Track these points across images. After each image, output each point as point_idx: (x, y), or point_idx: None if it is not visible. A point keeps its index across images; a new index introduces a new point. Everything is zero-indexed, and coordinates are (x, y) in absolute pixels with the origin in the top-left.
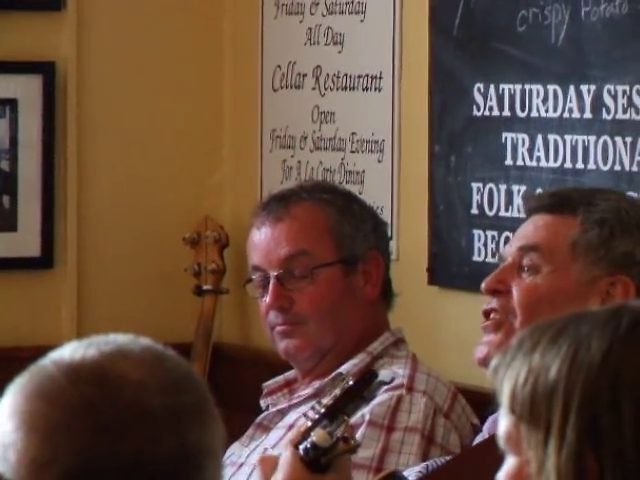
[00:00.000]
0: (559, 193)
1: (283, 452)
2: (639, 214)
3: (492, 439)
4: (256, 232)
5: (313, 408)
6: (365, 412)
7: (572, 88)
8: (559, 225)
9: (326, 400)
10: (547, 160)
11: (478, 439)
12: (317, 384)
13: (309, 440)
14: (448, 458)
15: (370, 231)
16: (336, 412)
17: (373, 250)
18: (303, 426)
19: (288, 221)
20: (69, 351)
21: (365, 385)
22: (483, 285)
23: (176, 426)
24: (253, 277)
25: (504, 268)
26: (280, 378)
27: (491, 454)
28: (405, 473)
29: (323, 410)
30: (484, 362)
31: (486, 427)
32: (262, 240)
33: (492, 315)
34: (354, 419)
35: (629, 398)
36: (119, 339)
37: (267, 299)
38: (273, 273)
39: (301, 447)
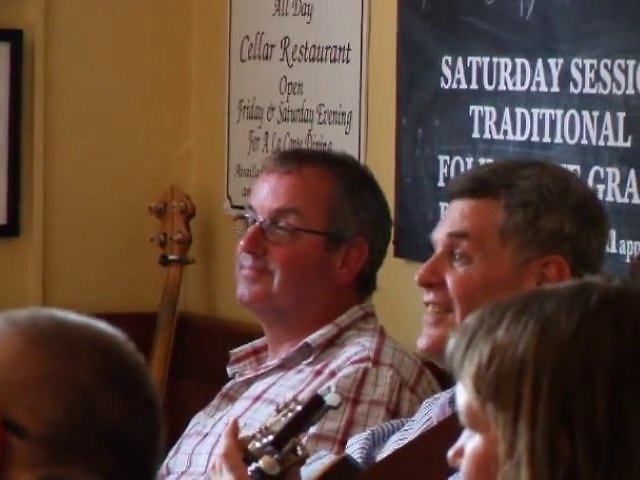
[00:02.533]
0: (479, 177)
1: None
2: (561, 186)
3: (442, 426)
4: (264, 175)
5: (261, 432)
6: (331, 384)
7: (540, 62)
8: (484, 211)
9: (274, 426)
10: (514, 133)
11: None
12: (283, 354)
13: (257, 465)
14: (394, 422)
15: (369, 221)
16: (283, 440)
17: (363, 238)
18: (248, 441)
19: (294, 177)
20: None
21: (313, 411)
22: (417, 278)
23: None
24: (246, 215)
25: (436, 259)
26: (248, 346)
27: (443, 439)
28: (351, 441)
29: (272, 438)
30: (428, 351)
31: (434, 409)
32: (264, 186)
33: (431, 308)
34: (334, 399)
35: (601, 376)
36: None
37: (243, 241)
38: (259, 219)
39: (250, 468)
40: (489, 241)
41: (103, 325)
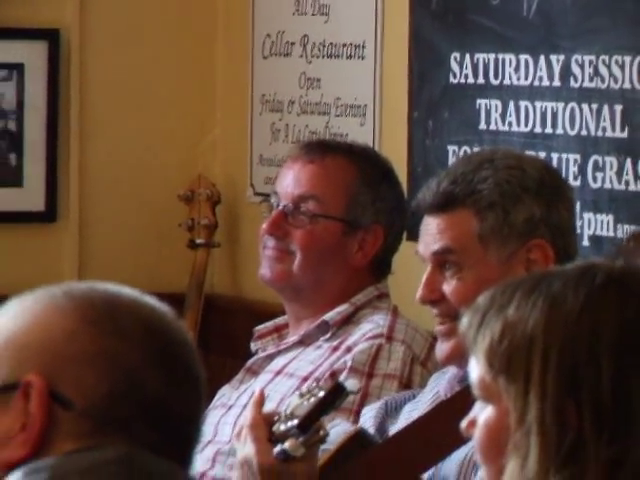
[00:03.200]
0: (445, 192)
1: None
2: (517, 177)
3: (455, 398)
4: (289, 163)
5: (285, 416)
6: (347, 359)
7: (542, 58)
8: (458, 223)
9: (298, 410)
10: (518, 125)
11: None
12: (303, 331)
13: (282, 447)
14: (406, 393)
15: (385, 211)
16: (309, 424)
17: (378, 226)
18: (272, 415)
19: (317, 166)
20: None
21: (334, 397)
22: (418, 298)
23: None
24: (271, 199)
25: (429, 277)
26: (270, 323)
27: (455, 411)
28: (365, 410)
29: (296, 422)
30: (447, 362)
31: (442, 384)
32: (289, 172)
33: (440, 319)
34: (354, 385)
35: (607, 350)
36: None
37: (266, 223)
38: (282, 203)
39: (275, 450)
40: (471, 249)
41: (154, 302)
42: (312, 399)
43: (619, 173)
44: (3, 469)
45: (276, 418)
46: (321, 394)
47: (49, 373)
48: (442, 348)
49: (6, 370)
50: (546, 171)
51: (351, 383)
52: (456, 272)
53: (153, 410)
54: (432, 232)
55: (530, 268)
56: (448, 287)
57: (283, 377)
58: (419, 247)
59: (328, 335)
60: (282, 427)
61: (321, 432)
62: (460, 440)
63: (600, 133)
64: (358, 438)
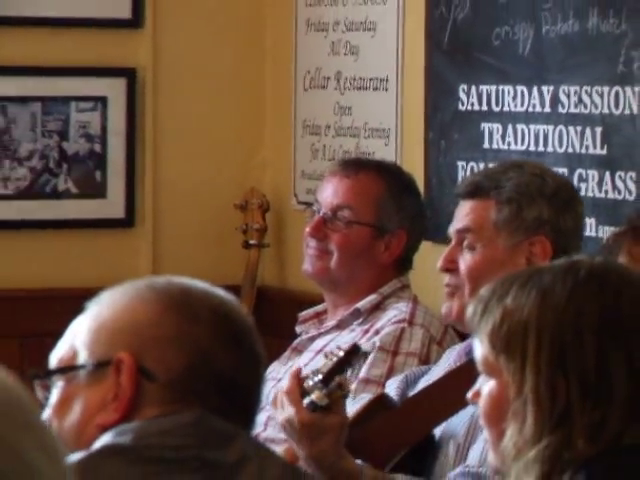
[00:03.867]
0: (475, 182)
1: (286, 397)
2: (537, 183)
3: (461, 369)
4: (329, 177)
5: (313, 372)
6: (376, 340)
7: (535, 88)
8: (479, 209)
9: (323, 368)
10: (516, 144)
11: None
12: (339, 317)
13: (310, 399)
14: (423, 368)
15: (408, 218)
16: (329, 378)
17: (402, 230)
18: (304, 382)
19: (352, 180)
20: None
21: (352, 356)
22: (438, 265)
23: None
24: (313, 207)
25: (450, 250)
26: (311, 310)
27: (462, 380)
28: (389, 382)
29: (320, 377)
30: (446, 319)
31: (451, 359)
32: (329, 185)
33: (448, 287)
34: (368, 346)
35: (589, 332)
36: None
37: (309, 227)
38: (322, 211)
39: (304, 402)
40: (486, 232)
41: (222, 292)
42: (334, 358)
43: (600, 184)
44: (99, 431)
45: (305, 377)
46: (341, 354)
47: (136, 352)
48: (445, 307)
49: (101, 350)
50: (564, 186)
51: (365, 345)
52: (470, 248)
53: (222, 382)
54: (460, 214)
55: (530, 258)
56: (462, 261)
57: (322, 355)
58: (450, 227)
59: (360, 320)
60: (310, 382)
61: (344, 388)
62: (466, 402)
63: (584, 151)
64: (382, 400)
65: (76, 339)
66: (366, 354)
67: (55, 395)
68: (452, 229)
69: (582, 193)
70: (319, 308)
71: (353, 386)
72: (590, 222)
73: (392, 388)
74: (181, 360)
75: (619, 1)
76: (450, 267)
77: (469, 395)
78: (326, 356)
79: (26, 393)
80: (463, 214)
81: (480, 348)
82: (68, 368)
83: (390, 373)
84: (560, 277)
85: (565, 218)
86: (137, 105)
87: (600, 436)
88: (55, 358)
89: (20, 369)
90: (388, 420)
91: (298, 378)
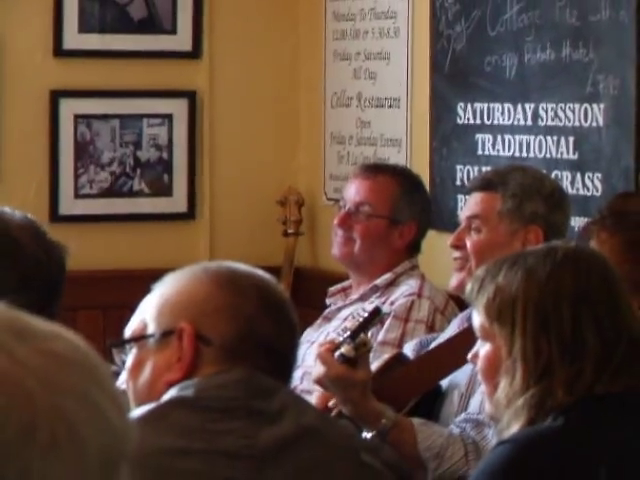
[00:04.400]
0: (486, 178)
1: (319, 357)
2: (536, 184)
3: (464, 334)
4: (353, 178)
5: (343, 330)
6: (391, 309)
7: (519, 106)
8: (488, 200)
9: (350, 326)
10: (503, 151)
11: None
12: (361, 292)
13: (340, 352)
14: (435, 335)
15: (418, 211)
16: (356, 334)
17: (413, 222)
18: (333, 342)
19: (371, 181)
20: None
21: (374, 316)
22: (449, 242)
23: None
24: (340, 203)
25: (460, 231)
26: (338, 286)
27: (464, 341)
28: (406, 345)
29: (349, 333)
30: (456, 289)
31: (455, 325)
32: (352, 185)
33: (457, 261)
34: (387, 309)
35: (566, 302)
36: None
37: (337, 219)
38: (347, 206)
39: (336, 354)
40: (491, 219)
41: (262, 272)
42: (360, 319)
43: (572, 183)
44: (166, 387)
45: (337, 334)
46: (366, 314)
47: (195, 322)
48: (453, 279)
49: (166, 321)
50: (558, 190)
51: (385, 308)
52: (477, 231)
53: (265, 345)
54: (471, 203)
55: (525, 243)
56: (469, 241)
57: (347, 322)
58: (461, 213)
59: (378, 294)
60: (340, 339)
61: (368, 343)
62: (466, 360)
63: (559, 156)
64: (398, 357)
65: (146, 313)
66: (385, 315)
67: (130, 360)
68: (463, 215)
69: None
70: (345, 284)
71: (374, 345)
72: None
73: (409, 349)
74: (231, 328)
75: (587, 35)
76: (458, 244)
77: (469, 356)
78: (353, 317)
79: (97, 354)
80: (473, 203)
81: (477, 318)
82: (140, 337)
83: (403, 337)
84: (541, 259)
85: (556, 215)
86: (197, 121)
87: (576, 387)
88: (129, 330)
89: (102, 335)
90: (403, 373)
91: (331, 343)
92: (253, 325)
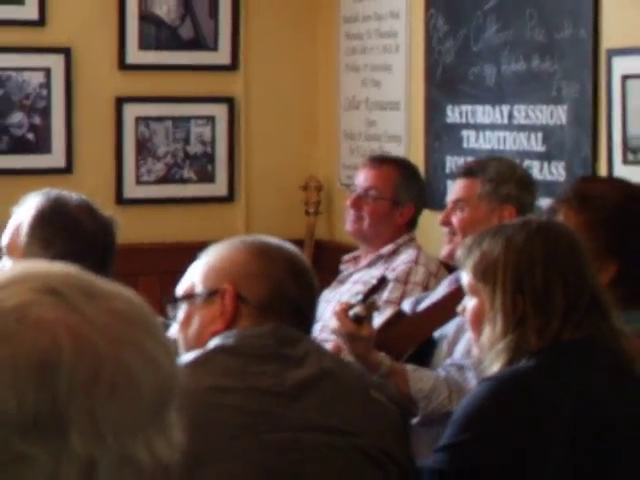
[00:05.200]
0: (468, 166)
1: (335, 316)
2: (510, 170)
3: (453, 293)
4: (362, 168)
5: (356, 294)
6: (393, 274)
7: (497, 107)
8: (470, 185)
9: (362, 291)
10: (484, 145)
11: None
12: (369, 259)
13: (354, 311)
14: (426, 293)
15: (415, 194)
16: (367, 297)
17: (410, 203)
18: (347, 304)
19: (377, 170)
20: None
21: (381, 283)
22: (439, 219)
23: None
24: (352, 187)
25: (448, 211)
26: (350, 255)
27: (453, 300)
28: (404, 303)
29: (360, 298)
30: (446, 257)
31: (445, 286)
32: (362, 173)
33: (446, 235)
34: (391, 276)
35: (539, 265)
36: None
37: (349, 201)
38: (358, 191)
39: (350, 313)
40: (472, 200)
41: (290, 245)
42: (370, 286)
43: (540, 170)
44: (211, 336)
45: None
46: (374, 281)
47: (235, 284)
48: (444, 249)
49: (211, 283)
50: (527, 175)
51: (390, 276)
52: (461, 211)
53: (292, 304)
54: (456, 188)
55: (501, 219)
56: (455, 218)
57: (357, 285)
58: (448, 197)
59: (382, 261)
60: (353, 301)
61: (375, 305)
62: (455, 314)
63: (530, 148)
64: (399, 314)
65: (194, 277)
66: (389, 282)
67: (181, 314)
68: (450, 197)
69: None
70: (355, 253)
71: (380, 304)
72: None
73: (407, 306)
74: (264, 289)
75: (552, 49)
76: (446, 221)
77: (459, 309)
78: (364, 284)
79: (151, 309)
80: (458, 187)
81: (465, 277)
82: (190, 296)
83: (402, 297)
84: (518, 230)
85: (526, 196)
86: (235, 122)
87: (546, 334)
88: (180, 290)
89: (159, 296)
90: (402, 327)
91: (347, 304)
92: (282, 288)
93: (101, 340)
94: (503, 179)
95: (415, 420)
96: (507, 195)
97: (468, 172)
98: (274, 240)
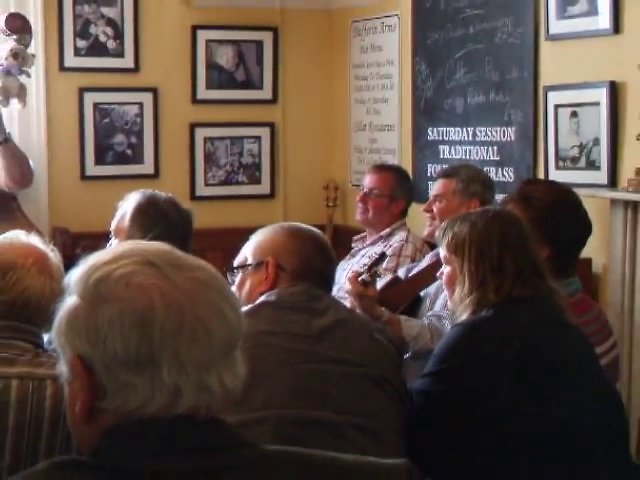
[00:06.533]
0: (447, 170)
1: (348, 281)
2: (476, 174)
3: (434, 263)
4: (367, 173)
5: (364, 265)
6: (390, 250)
7: (464, 129)
8: (447, 184)
9: (368, 263)
10: (456, 156)
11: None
12: (372, 239)
13: (362, 277)
14: (415, 263)
15: (406, 192)
16: (371, 268)
17: (403, 198)
18: (357, 272)
19: (378, 175)
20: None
21: (382, 257)
22: (423, 208)
23: None
24: (360, 187)
25: (430, 202)
26: (358, 236)
27: (433, 268)
28: (400, 270)
29: (366, 267)
30: (428, 237)
31: (428, 259)
32: (367, 177)
33: (428, 220)
34: (389, 252)
35: (495, 243)
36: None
37: (358, 197)
38: (364, 190)
39: (359, 279)
40: (449, 195)
41: (315, 229)
42: (373, 259)
43: (496, 173)
44: (259, 295)
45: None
46: (377, 256)
47: (275, 257)
48: (426, 230)
49: (259, 256)
50: (489, 179)
51: (388, 252)
52: (440, 202)
53: (317, 272)
54: (436, 186)
55: (469, 209)
56: (435, 207)
57: (364, 258)
58: (430, 193)
59: (382, 241)
60: (361, 270)
61: (378, 272)
62: (436, 278)
63: (488, 158)
64: (395, 279)
65: (247, 251)
66: (387, 257)
67: (237, 279)
68: (431, 192)
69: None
70: (362, 235)
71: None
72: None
73: (401, 273)
74: (297, 261)
75: (504, 86)
76: (428, 209)
77: (438, 274)
78: (369, 258)
79: (222, 277)
80: (438, 185)
81: (442, 252)
82: (243, 266)
83: (397, 266)
84: (479, 216)
85: (487, 194)
86: (275, 140)
87: (500, 292)
88: (236, 262)
89: (222, 268)
90: (398, 288)
91: (357, 272)
92: (310, 260)
93: (185, 300)
94: (472, 180)
95: (407, 356)
96: (474, 192)
97: (446, 174)
98: (304, 225)
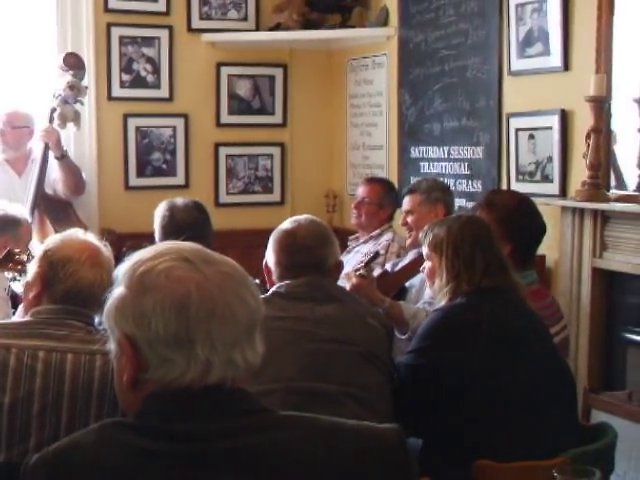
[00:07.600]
0: (413, 187)
1: (349, 275)
2: (435, 184)
3: (416, 259)
4: (361, 184)
5: (361, 262)
6: (379, 248)
7: (441, 148)
8: (412, 199)
9: (365, 260)
10: (434, 170)
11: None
12: (364, 238)
13: (360, 271)
14: (399, 259)
15: (392, 200)
16: (367, 264)
17: (390, 206)
18: (355, 268)
19: (370, 186)
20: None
21: (375, 256)
22: (400, 223)
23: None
24: (355, 196)
25: (403, 217)
26: (353, 236)
27: (416, 263)
28: (387, 264)
29: (363, 264)
30: (410, 247)
31: (410, 255)
32: (360, 188)
33: (407, 231)
34: (381, 250)
35: (467, 243)
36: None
37: (353, 205)
38: (357, 200)
39: (356, 273)
40: (416, 207)
41: (292, 227)
42: (369, 256)
43: (467, 185)
44: (271, 286)
45: (358, 264)
46: (371, 254)
47: (276, 254)
48: (408, 241)
49: (269, 257)
50: (446, 185)
51: (380, 251)
52: (411, 215)
53: (316, 263)
54: (406, 202)
55: (437, 215)
56: (409, 219)
57: (357, 254)
58: (402, 209)
59: (372, 240)
60: (358, 266)
61: (372, 268)
62: (418, 272)
63: (460, 172)
64: (384, 272)
65: (268, 256)
66: (380, 255)
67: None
68: (403, 209)
69: (461, 189)
70: (356, 235)
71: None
72: (461, 201)
73: (389, 267)
74: (294, 258)
75: (474, 113)
76: (404, 223)
77: (421, 268)
78: (364, 255)
79: (244, 270)
80: (406, 202)
81: (424, 250)
82: (266, 266)
83: (385, 261)
84: (454, 221)
85: (448, 196)
86: (285, 157)
87: (471, 283)
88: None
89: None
90: (387, 279)
91: (353, 270)
92: (305, 254)
93: (215, 290)
94: (432, 189)
95: (405, 336)
96: (437, 198)
97: (409, 191)
98: (285, 227)
